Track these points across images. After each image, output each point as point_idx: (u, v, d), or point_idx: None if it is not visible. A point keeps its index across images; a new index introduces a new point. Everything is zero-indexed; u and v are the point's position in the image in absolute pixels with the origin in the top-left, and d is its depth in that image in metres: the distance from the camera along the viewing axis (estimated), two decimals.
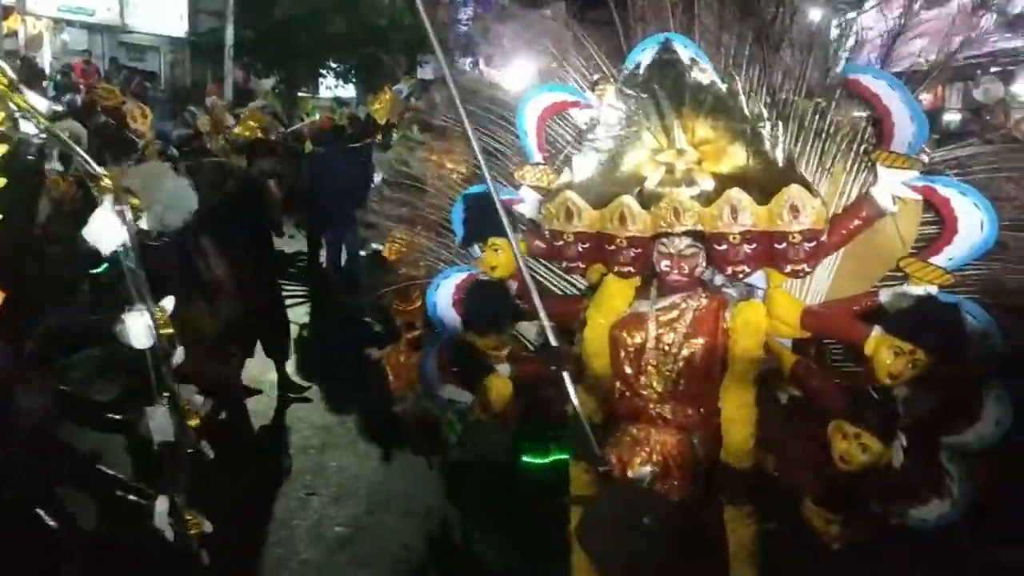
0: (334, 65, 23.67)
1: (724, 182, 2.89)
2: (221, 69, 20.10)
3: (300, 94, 22.85)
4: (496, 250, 3.20)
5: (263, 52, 21.68)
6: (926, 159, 2.76)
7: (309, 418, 6.44)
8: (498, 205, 2.91)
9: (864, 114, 2.82)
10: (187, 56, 23.38)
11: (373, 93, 10.48)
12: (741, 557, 2.97)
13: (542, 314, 2.89)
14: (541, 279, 3.38)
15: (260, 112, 9.70)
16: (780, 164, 2.89)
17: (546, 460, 4.03)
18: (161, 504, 3.02)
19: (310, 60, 22.44)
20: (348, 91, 23.94)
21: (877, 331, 2.72)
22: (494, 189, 2.92)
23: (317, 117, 12.96)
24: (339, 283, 9.50)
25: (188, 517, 3.04)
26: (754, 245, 2.87)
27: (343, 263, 9.66)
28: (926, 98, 2.96)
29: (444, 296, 3.39)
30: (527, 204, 3.29)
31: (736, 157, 2.94)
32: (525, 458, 4.02)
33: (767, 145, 2.88)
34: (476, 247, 3.32)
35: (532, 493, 3.81)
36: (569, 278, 3.36)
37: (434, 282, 3.43)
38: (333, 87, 24.05)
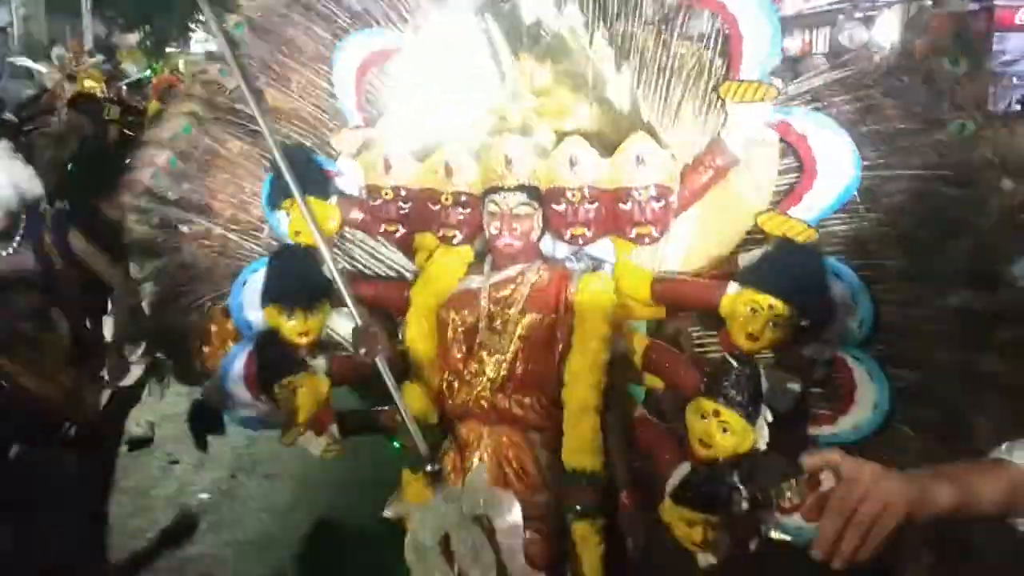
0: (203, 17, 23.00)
1: (561, 135, 2.59)
2: (81, 23, 18.89)
3: (169, 49, 21.27)
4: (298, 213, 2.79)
5: (126, 3, 20.47)
6: (780, 84, 2.44)
7: (173, 385, 5.91)
8: (278, 158, 2.59)
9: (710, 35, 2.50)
10: (42, 8, 21.22)
11: None
12: None
13: (342, 285, 2.56)
14: (361, 266, 2.97)
15: (98, 70, 9.30)
16: (625, 111, 2.57)
17: None
18: None
19: (178, 12, 21.00)
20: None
21: (731, 287, 2.43)
22: (272, 140, 2.59)
23: (148, 74, 12.07)
24: None
25: None
26: (596, 204, 2.55)
27: None
28: (794, 45, 2.67)
29: (253, 292, 2.88)
30: (347, 177, 2.90)
31: (577, 106, 2.65)
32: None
33: (611, 90, 2.57)
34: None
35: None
36: (395, 263, 2.96)
37: (241, 276, 2.94)
38: (204, 41, 22.31)
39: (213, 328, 3.17)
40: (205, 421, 3.56)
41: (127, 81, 10.91)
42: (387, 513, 2.76)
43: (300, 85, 2.95)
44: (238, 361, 2.95)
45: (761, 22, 2.42)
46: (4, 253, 3.84)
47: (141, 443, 5.46)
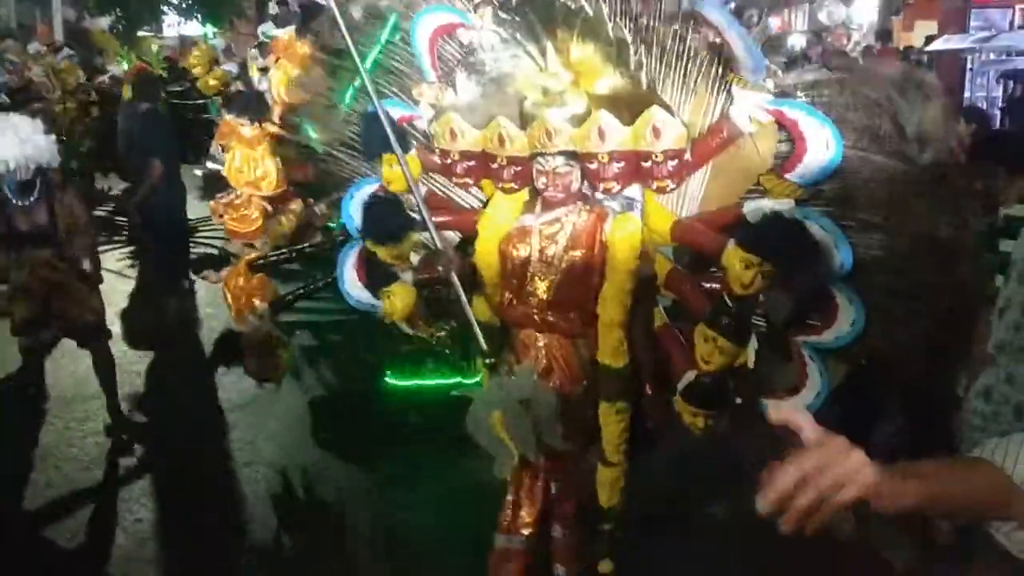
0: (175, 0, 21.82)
1: (595, 102, 3.12)
2: (51, 7, 18.36)
3: (141, 33, 20.90)
4: (391, 165, 3.46)
5: None
6: (771, 85, 2.91)
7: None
8: (384, 122, 3.18)
9: (718, 40, 2.96)
10: None
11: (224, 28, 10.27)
12: (611, 448, 3.38)
13: (428, 222, 3.25)
14: (442, 192, 3.65)
15: (73, 64, 10.16)
16: (644, 87, 3.09)
17: (410, 382, 4.44)
18: None
19: None
20: (195, 28, 22.12)
21: (731, 244, 2.98)
22: (380, 106, 3.17)
23: (125, 66, 12.14)
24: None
25: None
26: (622, 164, 3.13)
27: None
28: (775, 21, 3.06)
29: (357, 205, 3.64)
30: (425, 120, 3.52)
31: (606, 78, 3.15)
32: (390, 379, 4.44)
33: (633, 68, 3.07)
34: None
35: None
36: (469, 191, 3.63)
37: (348, 192, 3.71)
38: (176, 25, 22.48)
39: (235, 283, 3.92)
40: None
41: (109, 76, 11.38)
42: (456, 392, 3.60)
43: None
44: (351, 255, 3.76)
45: (745, 47, 2.87)
46: (24, 203, 5.28)
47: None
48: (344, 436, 5.41)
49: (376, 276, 3.62)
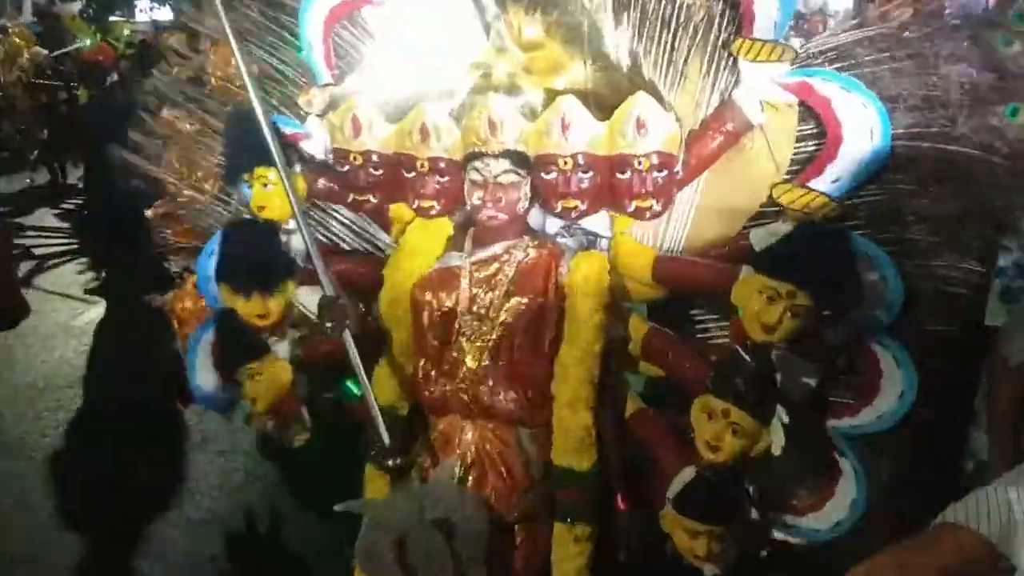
0: None
1: (556, 96, 2.32)
2: None
3: (113, 18, 19.42)
4: (265, 184, 2.52)
5: None
6: (798, 46, 2.15)
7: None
8: (263, 124, 2.24)
9: None
10: None
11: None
12: None
13: (316, 259, 2.27)
14: (334, 237, 2.72)
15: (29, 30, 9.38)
16: (624, 68, 2.30)
17: None
18: None
19: None
20: (167, 14, 20.50)
21: (746, 271, 2.18)
22: (258, 104, 2.25)
23: (88, 43, 11.35)
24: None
25: None
26: (590, 174, 2.30)
27: None
28: None
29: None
30: (315, 140, 2.62)
31: (571, 62, 2.37)
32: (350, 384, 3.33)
33: (608, 44, 2.30)
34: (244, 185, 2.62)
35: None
36: (369, 235, 2.69)
37: (207, 247, 2.69)
38: (148, 10, 21.03)
39: (182, 306, 2.96)
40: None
41: (60, 52, 10.65)
42: (339, 507, 2.51)
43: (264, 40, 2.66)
44: (204, 340, 2.72)
45: None
46: None
47: None
48: None
49: (234, 350, 2.59)
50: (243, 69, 2.22)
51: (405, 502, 2.33)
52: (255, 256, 2.47)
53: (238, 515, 4.37)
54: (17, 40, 8.79)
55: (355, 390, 2.59)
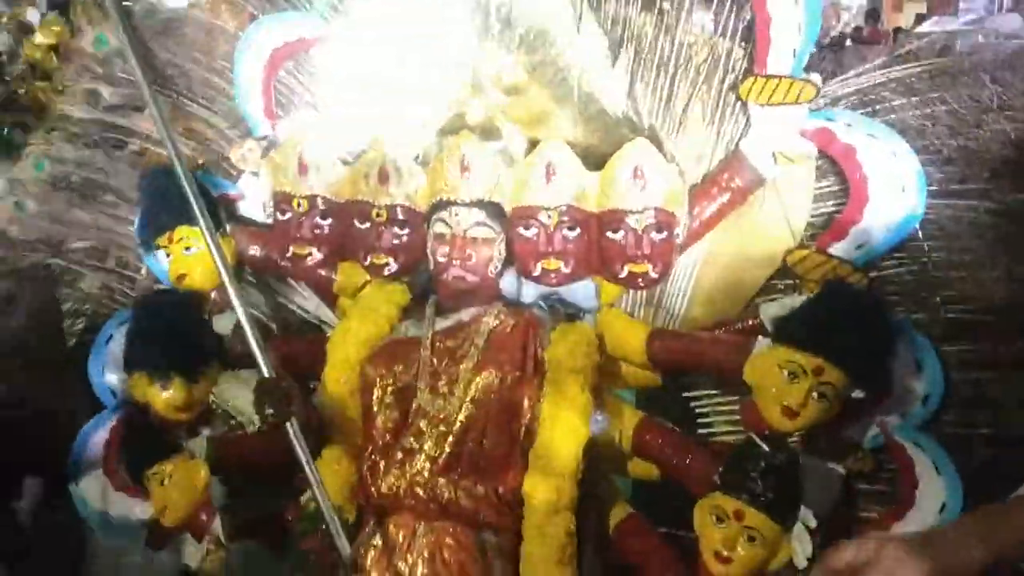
0: None
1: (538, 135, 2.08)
2: None
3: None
4: (186, 248, 2.16)
5: None
6: (819, 80, 1.90)
7: None
8: (181, 175, 1.97)
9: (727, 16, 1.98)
10: None
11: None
12: None
13: (250, 334, 1.90)
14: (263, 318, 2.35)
15: None
16: (618, 114, 2.05)
17: None
18: None
19: None
20: None
21: (763, 344, 1.86)
22: (174, 150, 1.94)
23: None
24: None
25: None
26: (576, 232, 2.01)
27: None
28: None
29: (119, 351, 2.25)
30: (249, 201, 2.29)
31: (558, 109, 2.09)
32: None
33: (601, 88, 2.04)
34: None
35: None
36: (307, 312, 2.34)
37: (104, 331, 2.37)
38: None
39: None
40: None
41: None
42: None
43: (190, 88, 2.36)
44: (95, 438, 2.28)
45: None
46: None
47: None
48: None
49: (141, 450, 2.17)
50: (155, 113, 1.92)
51: None
52: (178, 332, 2.10)
53: None
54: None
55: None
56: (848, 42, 1.97)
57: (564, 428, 1.93)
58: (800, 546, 1.79)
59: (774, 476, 1.78)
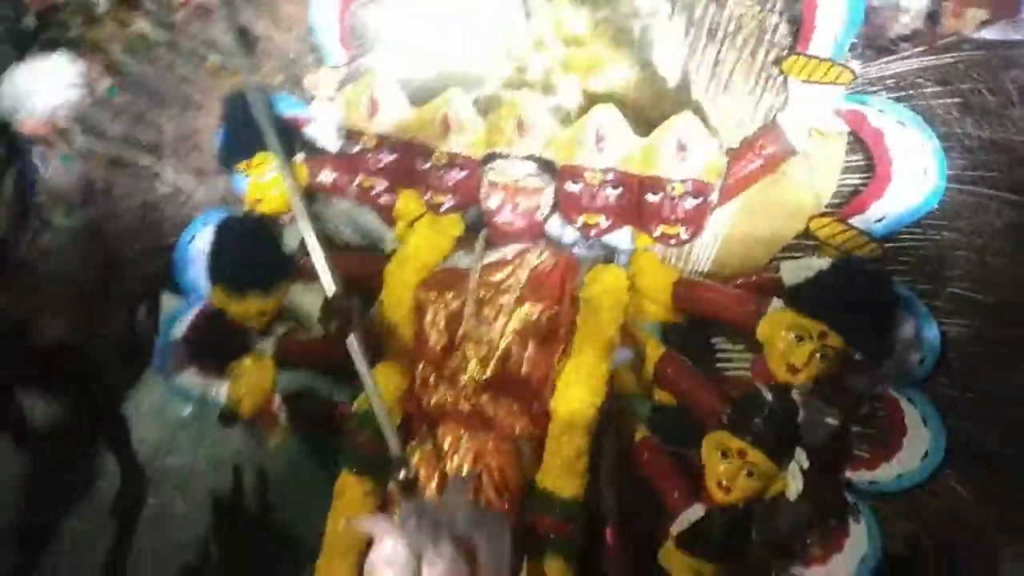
0: None
1: (594, 99, 2.20)
2: None
3: None
4: (262, 174, 2.37)
5: None
6: (858, 68, 2.02)
7: None
8: (259, 107, 2.14)
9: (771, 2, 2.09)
10: None
11: None
12: None
13: (316, 254, 2.12)
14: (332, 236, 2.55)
15: None
16: (672, 83, 2.18)
17: None
18: None
19: None
20: None
21: (776, 305, 2.06)
22: (251, 81, 2.09)
23: None
24: None
25: None
26: (619, 191, 2.18)
27: None
28: None
29: (201, 249, 2.49)
30: (321, 125, 2.47)
31: (615, 63, 2.22)
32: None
33: (657, 53, 2.17)
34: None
35: None
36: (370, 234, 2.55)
37: (189, 230, 2.57)
38: None
39: None
40: None
41: None
42: (347, 526, 2.35)
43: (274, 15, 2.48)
44: (179, 328, 2.56)
45: None
46: None
47: None
48: None
49: (219, 348, 2.46)
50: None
51: (419, 520, 2.16)
52: (253, 255, 2.33)
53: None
54: None
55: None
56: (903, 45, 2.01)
57: (590, 358, 2.17)
58: (794, 482, 2.05)
59: (775, 422, 2.03)
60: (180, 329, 2.56)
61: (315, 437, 2.66)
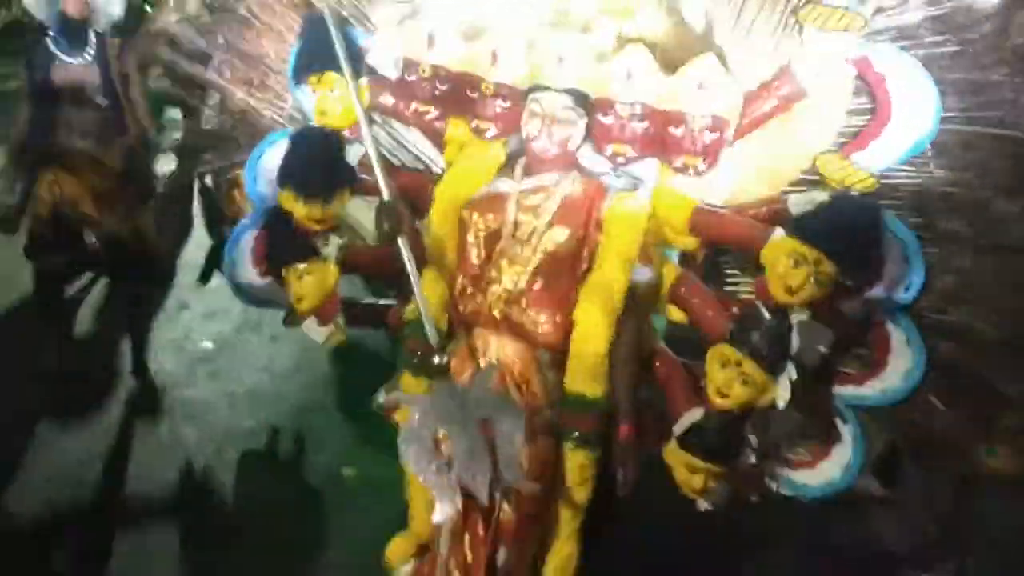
0: None
1: (627, 41, 2.43)
2: None
3: None
4: (331, 90, 2.64)
5: None
6: (869, 13, 2.21)
7: (197, 235, 6.02)
8: (331, 27, 2.39)
9: None
10: None
11: None
12: (565, 530, 2.54)
13: (376, 165, 2.42)
14: (388, 155, 2.80)
15: None
16: (697, 28, 2.40)
17: None
18: None
19: None
20: None
21: (778, 234, 2.29)
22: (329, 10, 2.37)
23: None
24: None
25: None
26: (645, 124, 2.42)
27: None
28: None
29: (269, 166, 2.75)
30: (383, 54, 2.70)
31: (645, 8, 2.45)
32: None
33: (687, 2, 2.40)
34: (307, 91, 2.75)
35: None
36: (422, 154, 2.82)
37: (258, 148, 2.83)
38: None
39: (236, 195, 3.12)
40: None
41: None
42: (380, 400, 2.70)
43: None
44: (247, 235, 2.87)
45: None
46: (77, 61, 4.18)
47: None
48: None
49: (284, 250, 2.74)
50: None
51: (450, 399, 2.44)
52: (320, 163, 2.58)
53: (280, 397, 4.55)
54: None
55: None
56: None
57: (610, 274, 2.42)
58: (783, 392, 2.31)
59: (770, 338, 2.27)
60: (249, 233, 2.86)
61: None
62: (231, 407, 4.43)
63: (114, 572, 3.35)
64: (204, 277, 5.46)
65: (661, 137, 2.41)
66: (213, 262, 5.14)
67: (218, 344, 5.03)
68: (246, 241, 2.90)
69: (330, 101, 2.64)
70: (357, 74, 2.58)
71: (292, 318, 2.83)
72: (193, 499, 3.81)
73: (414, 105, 2.66)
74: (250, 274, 2.93)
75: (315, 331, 2.85)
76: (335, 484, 3.83)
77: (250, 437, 4.23)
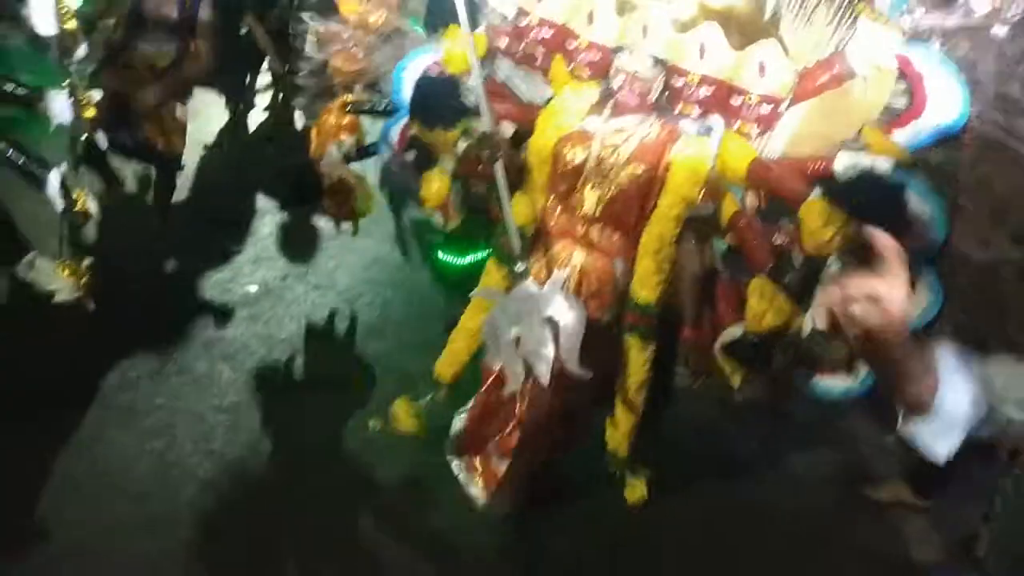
0: None
1: (705, 14, 2.82)
2: None
3: None
4: (454, 41, 3.16)
5: None
6: (908, 25, 2.53)
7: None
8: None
9: None
10: None
11: None
12: (632, 388, 3.17)
13: (484, 104, 2.98)
14: (505, 79, 3.32)
15: None
16: (765, 15, 2.76)
17: (463, 262, 4.43)
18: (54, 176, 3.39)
19: None
20: None
21: (815, 195, 2.70)
22: None
23: None
24: None
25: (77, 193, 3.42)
26: (711, 91, 2.85)
27: None
28: None
29: (409, 78, 3.33)
30: (498, 4, 3.18)
31: None
32: (442, 256, 4.48)
33: None
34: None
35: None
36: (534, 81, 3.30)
37: (401, 63, 3.39)
38: None
39: (329, 118, 3.69)
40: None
41: None
42: (477, 293, 3.35)
43: None
44: (395, 129, 3.51)
45: None
46: None
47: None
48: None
49: (417, 157, 3.37)
50: None
51: (526, 298, 3.06)
52: (442, 103, 3.11)
53: (316, 345, 4.70)
54: None
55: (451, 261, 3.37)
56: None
57: (668, 209, 2.94)
58: (809, 323, 2.82)
59: (800, 282, 2.77)
60: (395, 130, 3.49)
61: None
62: (268, 350, 4.57)
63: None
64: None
65: (723, 103, 2.82)
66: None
67: (262, 288, 5.11)
68: (394, 135, 3.53)
69: (452, 50, 3.14)
70: (476, 24, 3.05)
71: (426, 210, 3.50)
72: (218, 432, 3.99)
73: (523, 48, 3.13)
74: (396, 161, 3.59)
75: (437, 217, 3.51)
76: (363, 436, 3.81)
77: (283, 380, 4.44)
